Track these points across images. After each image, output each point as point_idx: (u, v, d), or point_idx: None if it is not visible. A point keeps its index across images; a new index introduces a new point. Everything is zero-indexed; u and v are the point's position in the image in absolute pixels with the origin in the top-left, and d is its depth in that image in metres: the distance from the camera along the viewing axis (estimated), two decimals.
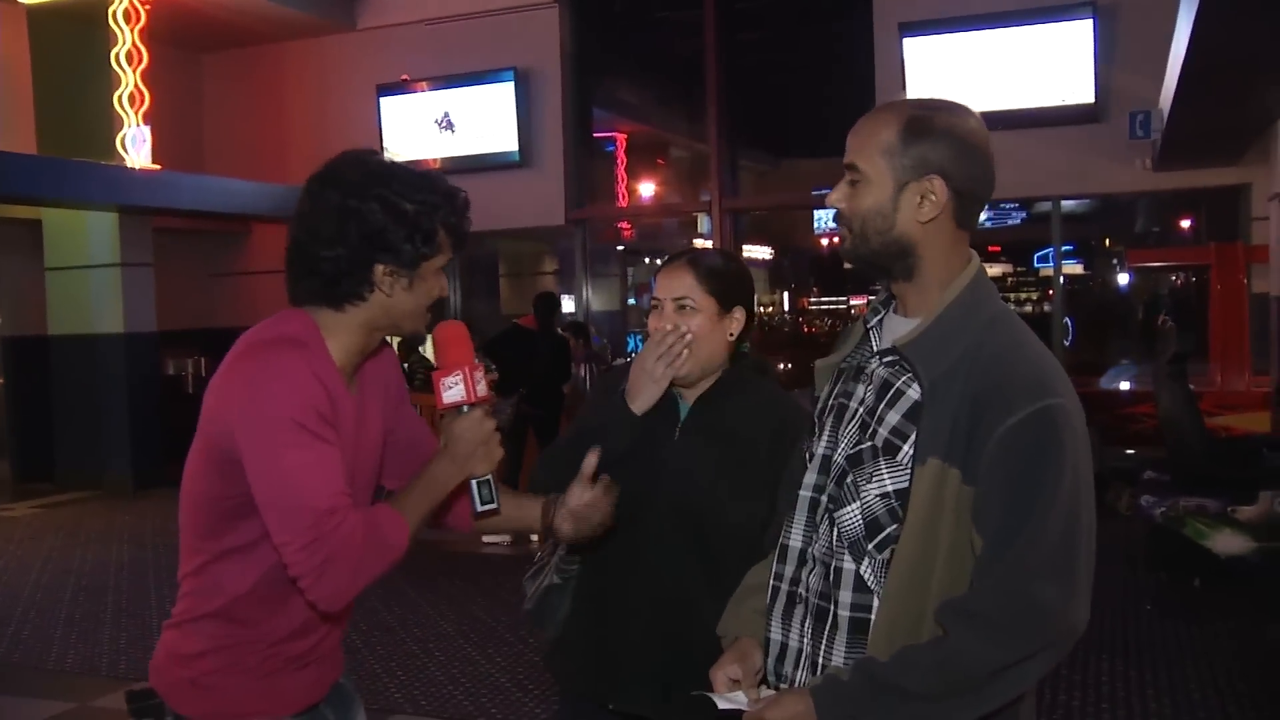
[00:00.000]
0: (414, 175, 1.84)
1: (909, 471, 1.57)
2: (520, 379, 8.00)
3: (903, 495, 1.57)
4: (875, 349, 1.72)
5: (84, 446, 10.96)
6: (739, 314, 2.22)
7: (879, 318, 1.75)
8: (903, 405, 1.61)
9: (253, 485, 1.70)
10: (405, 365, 10.72)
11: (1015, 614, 1.49)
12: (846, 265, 1.70)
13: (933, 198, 1.62)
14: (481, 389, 1.87)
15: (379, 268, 1.80)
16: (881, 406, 1.64)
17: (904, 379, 1.63)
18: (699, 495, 2.15)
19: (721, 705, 1.66)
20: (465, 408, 1.86)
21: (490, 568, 7.15)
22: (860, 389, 1.69)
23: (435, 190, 1.84)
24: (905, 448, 1.59)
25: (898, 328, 1.68)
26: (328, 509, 1.68)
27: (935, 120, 1.63)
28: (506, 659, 5.35)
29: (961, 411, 1.54)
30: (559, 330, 8.68)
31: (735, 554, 2.06)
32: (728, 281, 2.20)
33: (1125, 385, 9.80)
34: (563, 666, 2.34)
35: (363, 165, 1.84)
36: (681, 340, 2.14)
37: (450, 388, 1.86)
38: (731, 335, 2.22)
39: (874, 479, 1.61)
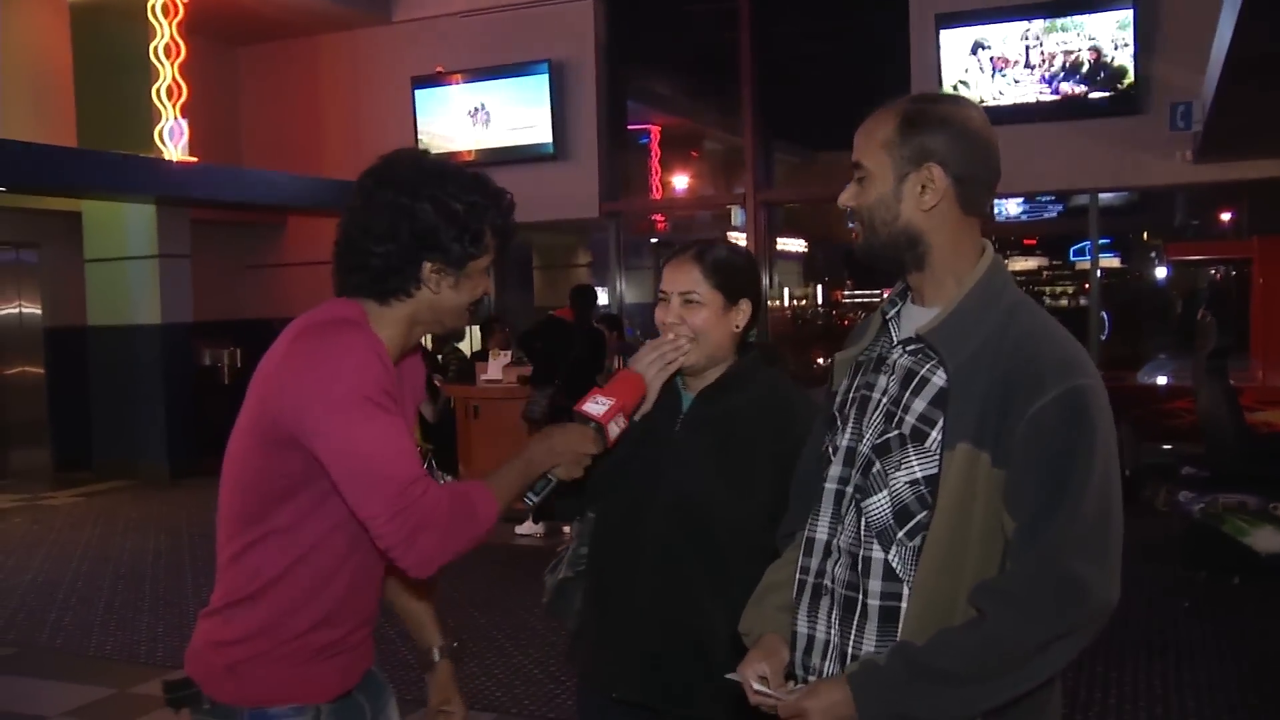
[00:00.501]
0: (465, 176, 1.89)
1: (938, 457, 1.59)
2: (556, 371, 8.01)
3: (932, 481, 1.59)
4: (896, 339, 1.74)
5: (121, 436, 11.11)
6: (745, 306, 2.24)
7: (897, 309, 1.77)
8: (929, 392, 1.63)
9: (329, 464, 1.74)
10: (439, 356, 10.76)
11: (1054, 592, 1.50)
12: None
13: (932, 185, 1.65)
14: (614, 430, 2.05)
15: (427, 265, 1.86)
16: (907, 395, 1.66)
17: (928, 366, 1.65)
18: (698, 488, 2.17)
19: (754, 698, 1.66)
20: (593, 424, 2.03)
21: (523, 560, 7.17)
22: (883, 380, 1.71)
23: (485, 192, 1.90)
24: (933, 434, 1.60)
25: (917, 317, 1.71)
26: (410, 478, 1.73)
27: (931, 111, 1.67)
28: (540, 651, 5.37)
29: (990, 395, 1.57)
30: (594, 323, 8.67)
31: (736, 546, 2.11)
32: (733, 274, 2.22)
33: (1162, 380, 9.67)
34: (576, 657, 2.39)
35: (417, 164, 1.89)
36: (677, 349, 2.16)
37: (598, 403, 2.06)
38: (738, 327, 2.24)
39: (903, 466, 1.62)
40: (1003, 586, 1.53)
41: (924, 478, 1.60)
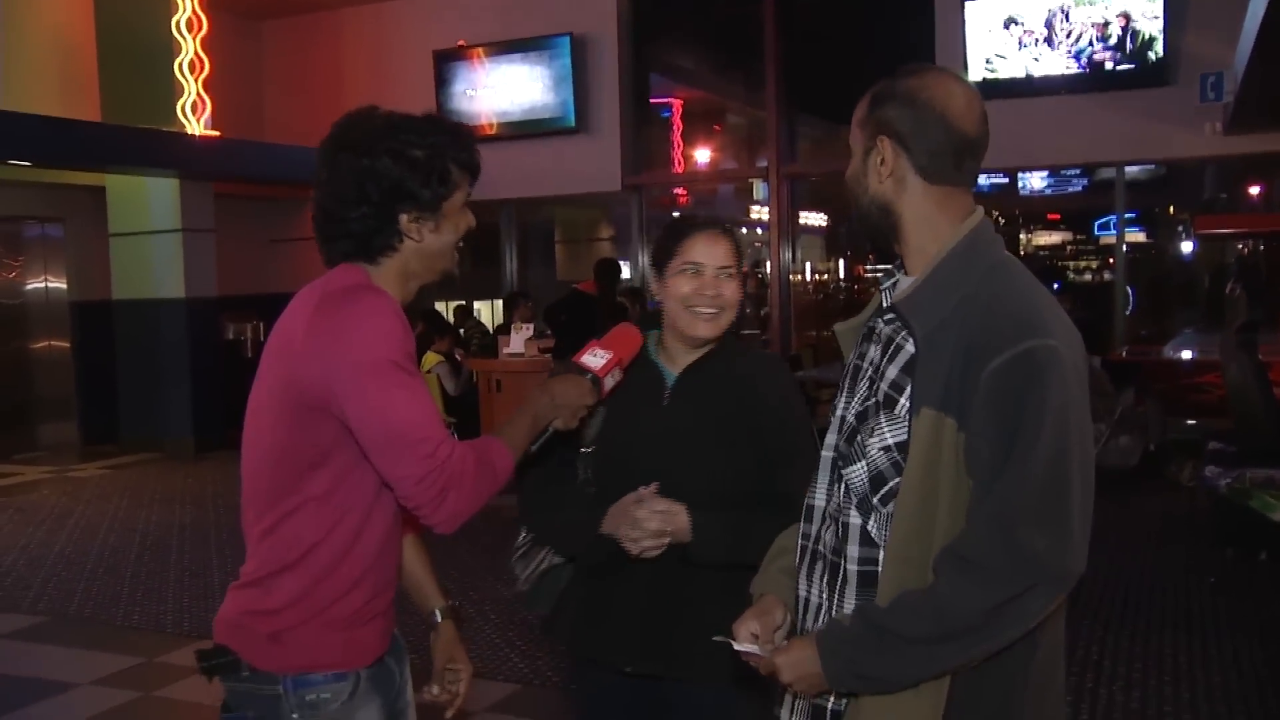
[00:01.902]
0: (417, 121, 1.93)
1: (907, 423, 1.61)
2: (579, 344, 8.00)
3: (903, 448, 1.60)
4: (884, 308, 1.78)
5: (147, 409, 11.19)
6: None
7: (892, 281, 1.79)
8: (900, 359, 1.66)
9: (358, 429, 1.78)
10: (461, 330, 10.78)
11: (1000, 558, 1.50)
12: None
13: (881, 159, 1.70)
14: (609, 383, 2.15)
15: (403, 217, 1.89)
16: (884, 363, 1.69)
17: (902, 334, 1.67)
18: (686, 459, 2.20)
19: (739, 649, 1.72)
20: (590, 376, 2.12)
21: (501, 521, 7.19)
22: (871, 349, 1.75)
23: (440, 130, 1.93)
24: (902, 400, 1.63)
25: (903, 287, 1.74)
26: (438, 440, 1.78)
27: (891, 86, 1.71)
28: None
29: (955, 360, 1.58)
30: (618, 297, 8.66)
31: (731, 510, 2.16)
32: (742, 251, 2.31)
33: (1187, 355, 9.60)
34: (569, 632, 2.38)
35: (367, 122, 1.92)
36: (658, 542, 2.14)
37: (596, 355, 2.17)
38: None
39: (875, 433, 1.65)
40: (955, 550, 1.54)
41: (895, 444, 1.62)
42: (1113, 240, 11.05)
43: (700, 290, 2.24)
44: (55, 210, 11.49)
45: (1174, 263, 17.99)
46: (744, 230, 20.26)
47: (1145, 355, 9.47)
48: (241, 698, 1.92)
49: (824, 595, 1.74)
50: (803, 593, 1.80)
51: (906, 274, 1.76)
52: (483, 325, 11.33)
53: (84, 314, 11.66)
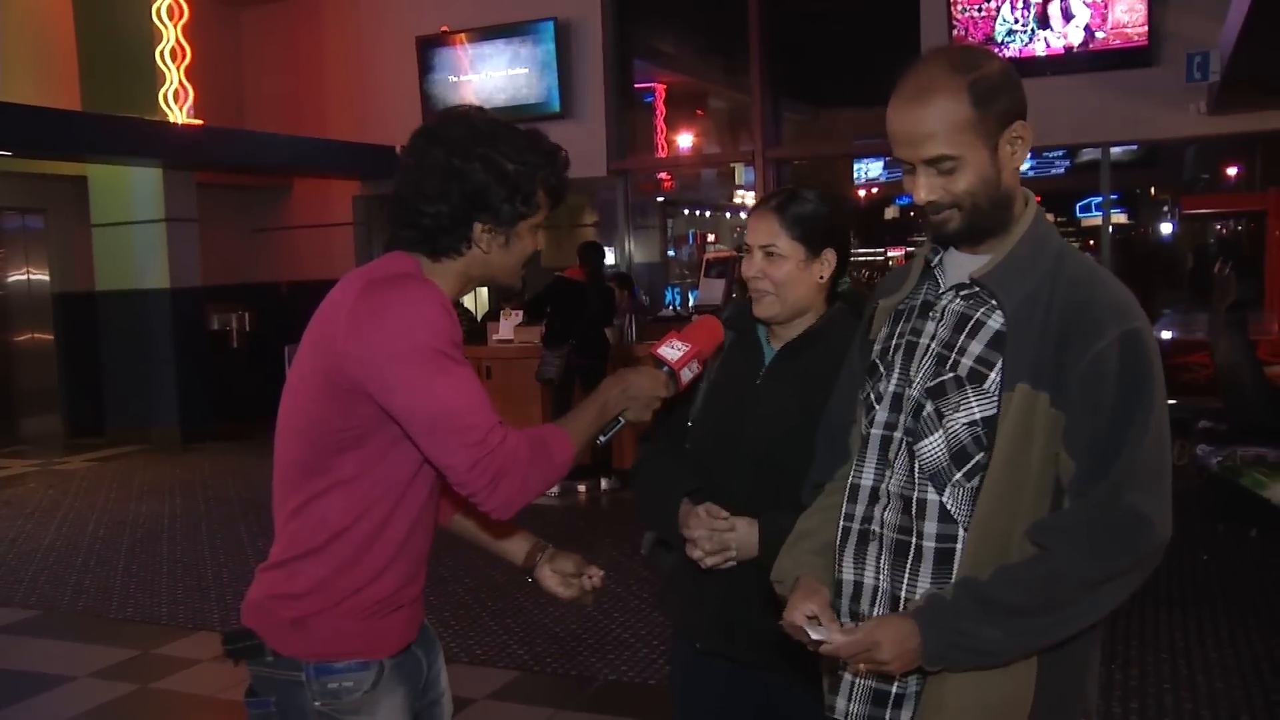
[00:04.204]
0: (517, 135, 1.90)
1: (997, 398, 1.61)
2: (570, 331, 7.98)
3: (990, 423, 1.61)
4: (945, 285, 1.75)
5: (133, 401, 11.11)
6: (830, 256, 2.19)
7: (940, 257, 1.77)
8: (985, 335, 1.65)
9: (408, 417, 1.77)
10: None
11: (1118, 527, 1.55)
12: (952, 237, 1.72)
13: (1021, 140, 1.66)
14: (686, 375, 2.08)
15: (478, 226, 1.87)
16: (963, 338, 1.67)
17: (983, 310, 1.67)
18: (779, 441, 2.15)
19: (814, 635, 1.63)
20: (666, 369, 2.05)
21: (541, 519, 7.18)
22: (930, 325, 1.72)
23: (537, 150, 1.90)
24: (992, 375, 1.62)
25: (966, 264, 1.72)
26: (489, 426, 1.77)
27: (990, 74, 1.64)
28: (560, 609, 5.37)
29: (1046, 337, 1.60)
30: (605, 281, 8.62)
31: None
32: (816, 225, 2.18)
33: (1167, 335, 9.65)
34: (669, 609, 2.42)
35: (469, 123, 1.90)
36: (723, 558, 2.12)
37: (674, 348, 2.08)
38: (822, 278, 2.20)
39: (961, 408, 1.64)
40: (1065, 523, 1.57)
41: (982, 419, 1.62)
42: (1095, 221, 11.09)
43: (748, 271, 2.19)
44: (36, 201, 11.39)
45: (1155, 243, 18.09)
46: (727, 215, 20.30)
47: None
48: (265, 683, 1.91)
49: (883, 577, 1.71)
50: (848, 576, 1.76)
51: (963, 251, 1.73)
52: (469, 312, 11.28)
53: (67, 305, 11.58)
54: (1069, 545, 1.55)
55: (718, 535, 2.10)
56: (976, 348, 1.65)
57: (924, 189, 1.67)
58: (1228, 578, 5.57)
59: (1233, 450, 5.94)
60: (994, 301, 1.65)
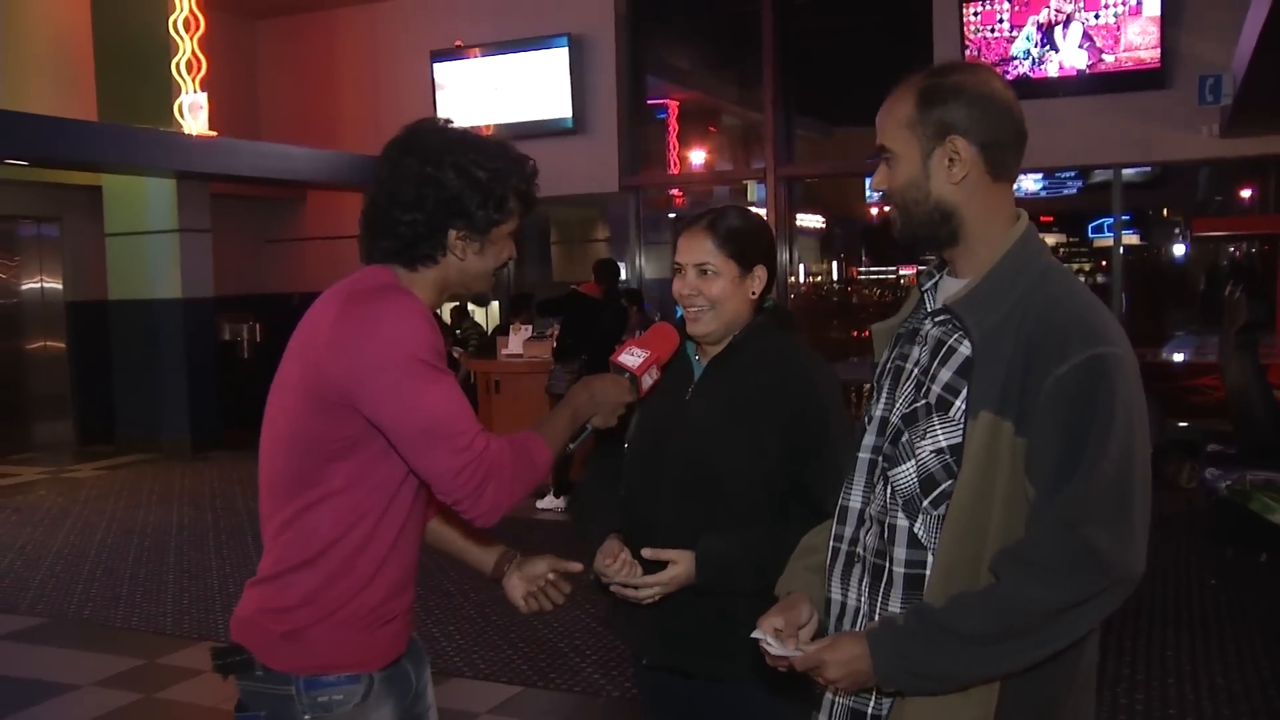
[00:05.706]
0: (488, 143, 1.95)
1: (962, 426, 1.59)
2: (582, 346, 7.99)
3: (957, 451, 1.59)
4: (929, 310, 1.75)
5: (143, 410, 11.16)
6: (760, 272, 2.25)
7: (933, 281, 1.78)
8: (954, 362, 1.64)
9: (393, 428, 1.79)
10: (458, 331, 10.76)
11: (1068, 558, 1.50)
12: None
13: (958, 157, 1.65)
14: (647, 381, 2.16)
15: (452, 232, 1.91)
16: (935, 365, 1.67)
17: (955, 336, 1.65)
18: (708, 455, 2.18)
19: (774, 651, 1.69)
20: (628, 375, 2.13)
21: (545, 533, 7.18)
22: (915, 350, 1.73)
23: (507, 157, 1.95)
24: (957, 403, 1.61)
25: (951, 289, 1.72)
26: (474, 433, 1.80)
27: (946, 83, 1.67)
28: (564, 624, 5.38)
29: (1014, 364, 1.57)
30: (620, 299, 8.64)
31: (749, 511, 2.15)
32: (747, 242, 2.23)
33: (1179, 357, 9.61)
34: (615, 629, 2.45)
35: (440, 133, 1.95)
36: (648, 594, 2.17)
37: (633, 354, 2.16)
38: (754, 294, 2.26)
39: (928, 436, 1.63)
40: (1018, 552, 1.53)
41: (949, 447, 1.60)
42: (1107, 242, 11.06)
43: (681, 290, 2.24)
44: (51, 210, 11.45)
45: (1167, 265, 18.05)
46: None
47: (1142, 357, 9.43)
48: (255, 697, 1.92)
49: (863, 599, 1.72)
50: (835, 596, 1.78)
51: (951, 275, 1.74)
52: (480, 326, 11.30)
53: (80, 314, 11.62)
54: (1017, 575, 1.52)
55: (643, 577, 2.15)
56: (946, 375, 1.64)
57: (875, 177, 1.74)
58: (1235, 602, 5.54)
59: (1242, 474, 5.92)
60: (963, 328, 1.64)
